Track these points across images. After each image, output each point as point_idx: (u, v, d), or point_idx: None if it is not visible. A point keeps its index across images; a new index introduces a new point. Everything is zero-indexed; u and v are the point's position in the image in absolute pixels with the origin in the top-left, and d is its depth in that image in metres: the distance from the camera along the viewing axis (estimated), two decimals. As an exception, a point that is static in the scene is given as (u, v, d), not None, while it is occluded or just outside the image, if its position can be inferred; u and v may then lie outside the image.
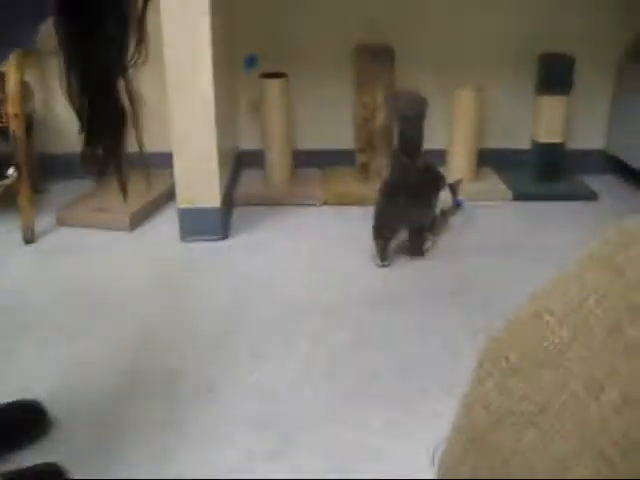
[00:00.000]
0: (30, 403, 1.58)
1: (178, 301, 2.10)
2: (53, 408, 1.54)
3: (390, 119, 2.74)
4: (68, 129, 3.10)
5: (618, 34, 2.98)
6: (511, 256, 2.37)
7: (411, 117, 2.33)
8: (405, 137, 2.33)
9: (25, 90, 2.75)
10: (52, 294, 2.14)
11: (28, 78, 2.91)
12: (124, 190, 1.43)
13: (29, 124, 2.85)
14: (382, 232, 2.28)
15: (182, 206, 2.46)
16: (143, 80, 2.78)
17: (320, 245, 2.46)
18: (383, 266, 2.28)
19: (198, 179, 2.42)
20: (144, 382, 1.72)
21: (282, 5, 2.92)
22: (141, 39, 1.22)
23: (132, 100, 1.28)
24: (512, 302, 1.85)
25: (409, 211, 2.28)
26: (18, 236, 2.50)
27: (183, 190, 2.45)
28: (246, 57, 2.84)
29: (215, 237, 2.49)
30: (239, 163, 3.09)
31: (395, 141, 2.41)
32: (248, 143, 3.07)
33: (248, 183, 2.94)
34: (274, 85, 2.78)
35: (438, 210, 2.47)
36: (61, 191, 2.92)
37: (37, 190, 2.98)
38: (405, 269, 2.29)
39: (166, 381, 1.72)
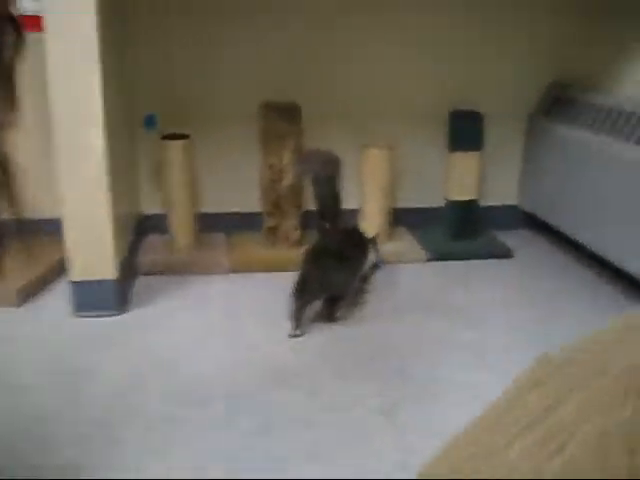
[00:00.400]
0: None
1: (65, 385, 1.88)
2: None
3: (300, 180, 2.62)
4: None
5: (527, 88, 2.97)
6: (427, 319, 2.26)
7: (324, 179, 2.21)
8: (321, 201, 2.20)
9: None
10: None
11: None
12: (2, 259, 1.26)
13: None
14: (302, 295, 2.14)
15: (74, 278, 2.26)
16: (28, 140, 2.62)
17: (226, 316, 2.29)
18: (295, 336, 2.13)
19: (91, 248, 2.23)
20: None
21: (185, 64, 2.79)
22: (11, 100, 1.08)
23: (3, 164, 1.13)
24: (428, 368, 1.65)
25: (333, 277, 2.16)
26: None
27: (74, 260, 2.24)
28: (145, 116, 2.68)
29: (111, 311, 2.28)
30: (142, 228, 2.90)
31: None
32: (152, 207, 2.89)
33: (150, 250, 2.76)
34: (175, 147, 2.63)
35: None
36: None
37: None
38: (318, 338, 2.14)
39: (50, 476, 1.50)
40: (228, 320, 2.27)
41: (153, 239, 2.85)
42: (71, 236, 2.21)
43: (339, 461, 1.56)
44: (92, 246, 2.23)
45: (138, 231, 2.85)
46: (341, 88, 2.88)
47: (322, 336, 2.16)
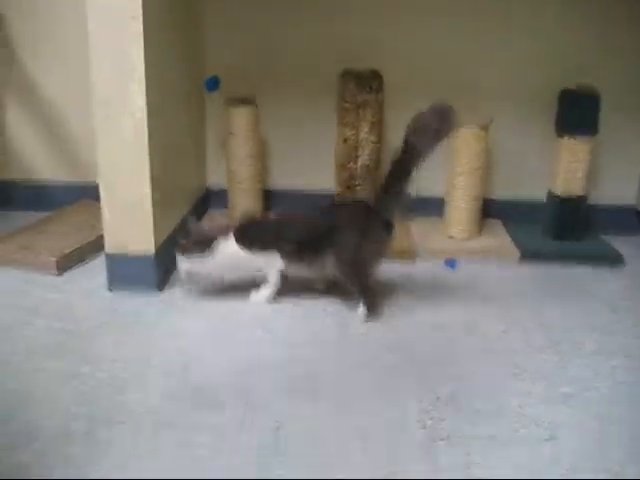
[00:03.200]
0: None
1: (59, 370, 1.66)
2: None
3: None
4: (24, 154, 2.77)
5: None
6: (490, 332, 1.89)
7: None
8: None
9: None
10: None
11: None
12: None
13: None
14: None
15: (108, 250, 2.05)
16: (69, 100, 2.45)
17: (270, 307, 2.01)
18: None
19: (127, 219, 2.01)
20: None
21: (259, 28, 2.53)
22: None
23: None
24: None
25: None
26: None
27: (111, 232, 2.04)
28: (207, 79, 2.43)
29: (148, 290, 2.06)
30: (206, 204, 2.68)
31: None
32: (219, 181, 2.64)
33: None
34: (238, 113, 2.37)
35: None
36: (9, 222, 2.57)
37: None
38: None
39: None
40: (267, 309, 1.99)
41: (214, 216, 2.61)
42: (106, 204, 2.00)
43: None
44: (129, 217, 2.01)
45: (203, 206, 2.63)
46: (430, 56, 2.53)
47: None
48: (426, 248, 2.36)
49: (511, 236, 2.50)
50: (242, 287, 2.09)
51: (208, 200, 2.68)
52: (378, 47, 2.48)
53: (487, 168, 2.46)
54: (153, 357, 1.72)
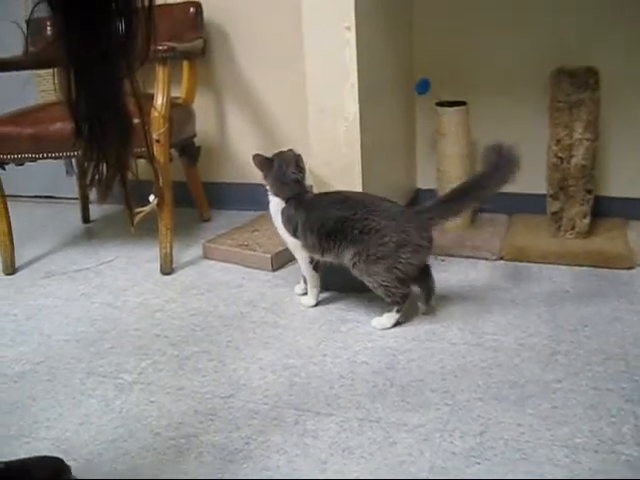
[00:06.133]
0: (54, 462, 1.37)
1: (279, 358, 1.77)
2: None
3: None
4: (240, 157, 2.95)
5: None
6: None
7: None
8: None
9: (183, 114, 2.61)
10: (147, 329, 1.95)
11: (204, 104, 2.83)
12: (130, 207, 1.16)
13: (190, 150, 2.72)
14: None
15: (319, 249, 2.13)
16: (283, 104, 2.56)
17: (467, 311, 1.99)
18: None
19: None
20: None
21: (466, 28, 2.51)
22: (148, 34, 0.97)
23: (139, 105, 1.02)
24: None
25: None
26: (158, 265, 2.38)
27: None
28: (418, 81, 2.44)
29: (355, 289, 2.12)
30: (416, 204, 2.70)
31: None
32: (426, 182, 2.67)
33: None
34: (448, 114, 2.37)
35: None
36: (228, 220, 2.81)
37: (204, 219, 2.88)
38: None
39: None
40: (479, 315, 1.97)
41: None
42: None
43: None
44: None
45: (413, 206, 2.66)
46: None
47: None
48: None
49: None
50: (454, 293, 2.10)
51: (418, 200, 2.70)
52: (593, 43, 2.37)
53: None
54: (360, 355, 1.78)
